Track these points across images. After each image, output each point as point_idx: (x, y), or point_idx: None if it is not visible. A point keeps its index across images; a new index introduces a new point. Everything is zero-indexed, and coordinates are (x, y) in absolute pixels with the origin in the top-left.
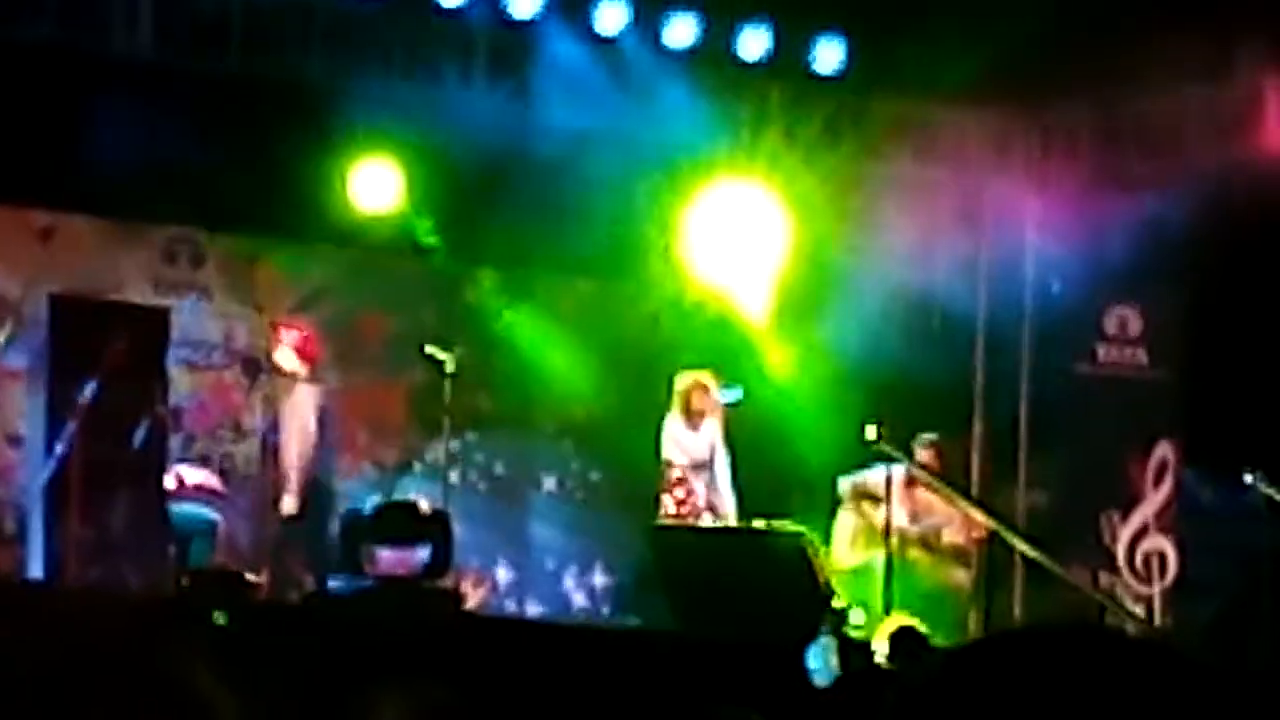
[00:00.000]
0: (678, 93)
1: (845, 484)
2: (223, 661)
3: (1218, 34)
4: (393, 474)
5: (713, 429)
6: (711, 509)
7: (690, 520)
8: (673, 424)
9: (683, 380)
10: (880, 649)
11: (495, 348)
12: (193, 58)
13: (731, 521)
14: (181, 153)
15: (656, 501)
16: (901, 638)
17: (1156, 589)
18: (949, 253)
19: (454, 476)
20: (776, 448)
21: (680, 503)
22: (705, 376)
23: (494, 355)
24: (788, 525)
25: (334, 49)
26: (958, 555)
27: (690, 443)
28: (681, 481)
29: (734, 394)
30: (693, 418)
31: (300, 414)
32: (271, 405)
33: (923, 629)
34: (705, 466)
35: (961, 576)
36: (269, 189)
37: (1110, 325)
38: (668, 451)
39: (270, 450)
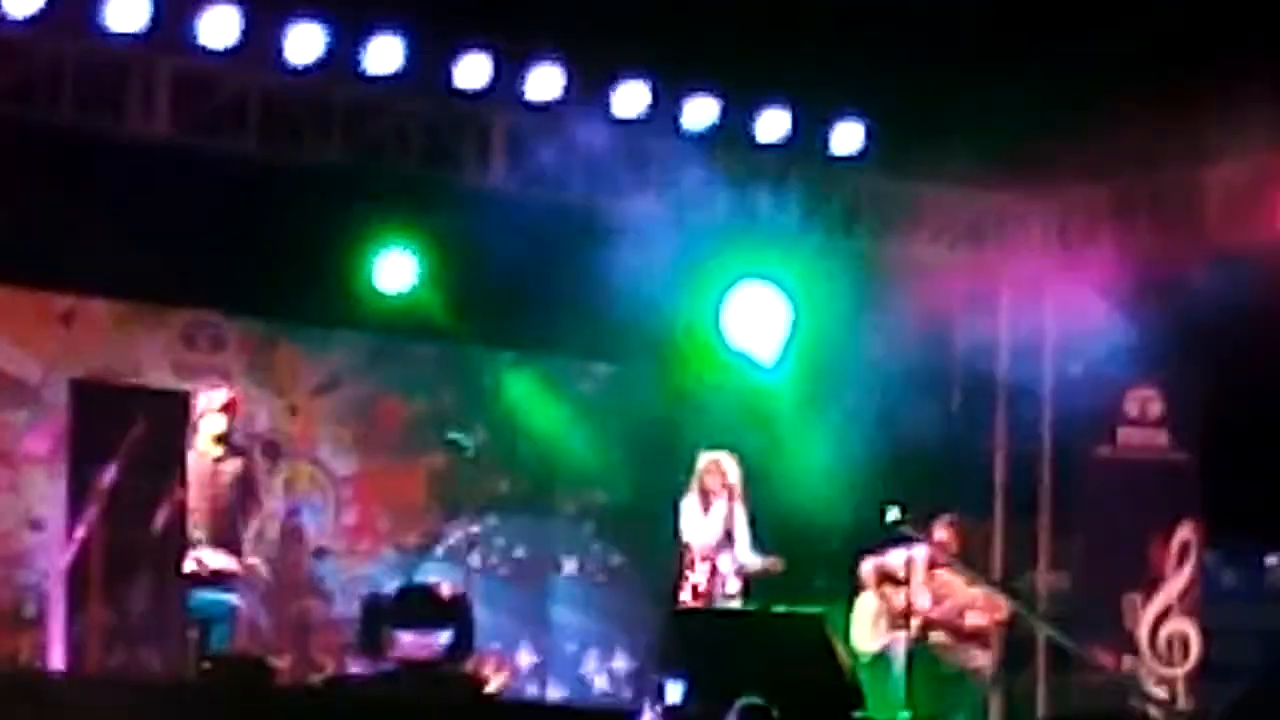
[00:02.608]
0: (697, 175)
1: (867, 566)
2: None
3: (1234, 112)
4: (413, 557)
5: (724, 510)
6: (729, 590)
7: (710, 602)
8: (689, 505)
9: (701, 461)
10: None
11: (515, 431)
12: (210, 141)
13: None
14: (200, 236)
15: (677, 583)
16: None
17: (1179, 671)
18: (968, 335)
19: (474, 560)
20: (798, 529)
21: (698, 585)
22: (723, 457)
23: (514, 439)
24: (809, 608)
25: (352, 133)
26: (979, 637)
27: (703, 523)
28: (702, 561)
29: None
30: (706, 498)
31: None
32: (292, 488)
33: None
34: (723, 547)
35: (983, 659)
36: (288, 272)
37: (1131, 407)
38: (685, 533)
39: (291, 533)
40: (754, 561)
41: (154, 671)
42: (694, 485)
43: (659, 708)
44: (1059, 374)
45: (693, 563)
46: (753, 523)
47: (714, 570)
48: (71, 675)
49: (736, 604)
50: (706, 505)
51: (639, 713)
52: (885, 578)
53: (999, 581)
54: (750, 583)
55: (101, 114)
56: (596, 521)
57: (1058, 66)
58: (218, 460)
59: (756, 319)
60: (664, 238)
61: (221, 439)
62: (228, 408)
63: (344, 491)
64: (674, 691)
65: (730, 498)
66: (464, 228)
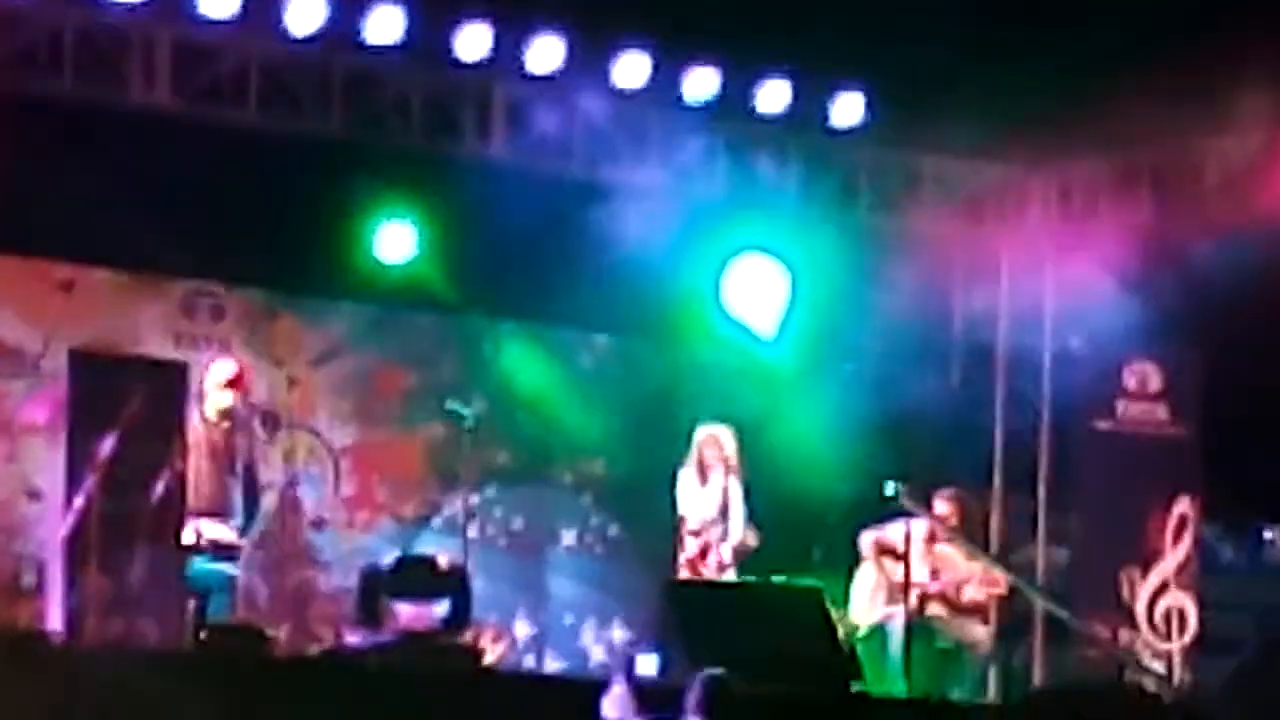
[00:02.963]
0: (697, 146)
1: (866, 539)
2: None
3: (1234, 86)
4: (411, 528)
5: (721, 483)
6: (724, 563)
7: (705, 574)
8: (685, 478)
9: (699, 434)
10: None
11: (514, 402)
12: (211, 111)
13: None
14: (200, 207)
15: (674, 555)
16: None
17: (1176, 645)
18: (968, 307)
19: (473, 531)
20: (796, 502)
21: (694, 556)
22: (721, 431)
23: (513, 410)
24: (806, 581)
25: (353, 103)
26: (977, 611)
27: (700, 497)
28: (695, 535)
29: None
30: (703, 471)
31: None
32: (291, 459)
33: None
34: (718, 520)
35: (981, 632)
36: (288, 243)
37: (1130, 381)
38: (681, 506)
39: (289, 504)
40: (747, 536)
41: (152, 640)
42: (691, 458)
43: (627, 679)
44: (1058, 347)
45: (688, 535)
46: (747, 497)
47: (708, 543)
48: (70, 642)
49: (731, 576)
50: (704, 479)
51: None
52: (884, 551)
53: (997, 555)
54: (745, 557)
55: (102, 84)
56: (595, 493)
57: (1059, 39)
58: (224, 432)
59: (756, 291)
60: (664, 209)
61: (227, 413)
62: (234, 382)
63: (343, 462)
64: (645, 664)
65: (726, 472)
66: (464, 198)
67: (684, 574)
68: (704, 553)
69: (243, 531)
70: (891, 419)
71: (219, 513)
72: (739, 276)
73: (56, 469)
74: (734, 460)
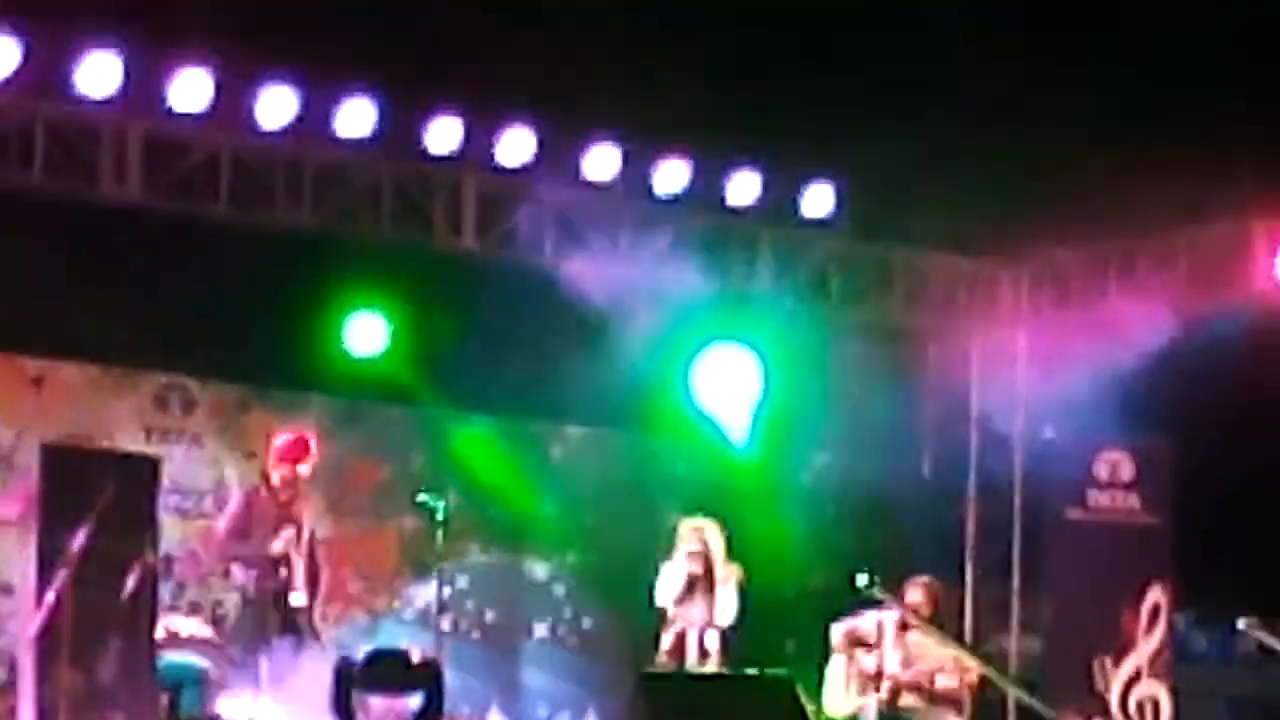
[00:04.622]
0: (667, 238)
1: (837, 631)
2: None
3: (1202, 176)
4: (384, 621)
5: (703, 575)
6: (705, 652)
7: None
8: (668, 571)
9: (682, 528)
10: None
11: (485, 494)
12: (182, 204)
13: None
14: (171, 300)
15: (655, 645)
16: None
17: None
18: (939, 398)
19: (445, 624)
20: (768, 593)
21: (674, 649)
22: (706, 524)
23: (484, 502)
24: (778, 671)
25: (324, 196)
26: (950, 701)
27: (680, 590)
28: (673, 624)
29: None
30: (685, 564)
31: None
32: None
33: None
34: (701, 613)
35: None
36: (259, 336)
37: (1101, 470)
38: (660, 598)
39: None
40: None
41: None
42: (675, 552)
43: None
44: (1030, 437)
45: (670, 626)
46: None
47: (685, 635)
48: None
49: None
50: (685, 571)
51: None
52: (855, 642)
53: (970, 645)
54: (728, 647)
55: (73, 177)
56: (567, 585)
57: (1028, 132)
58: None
59: (728, 388)
60: (636, 301)
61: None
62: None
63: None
64: None
65: (709, 564)
66: (435, 290)
67: (665, 666)
68: (684, 644)
69: None
70: (863, 509)
71: None
72: (710, 371)
73: (28, 563)
74: (718, 554)
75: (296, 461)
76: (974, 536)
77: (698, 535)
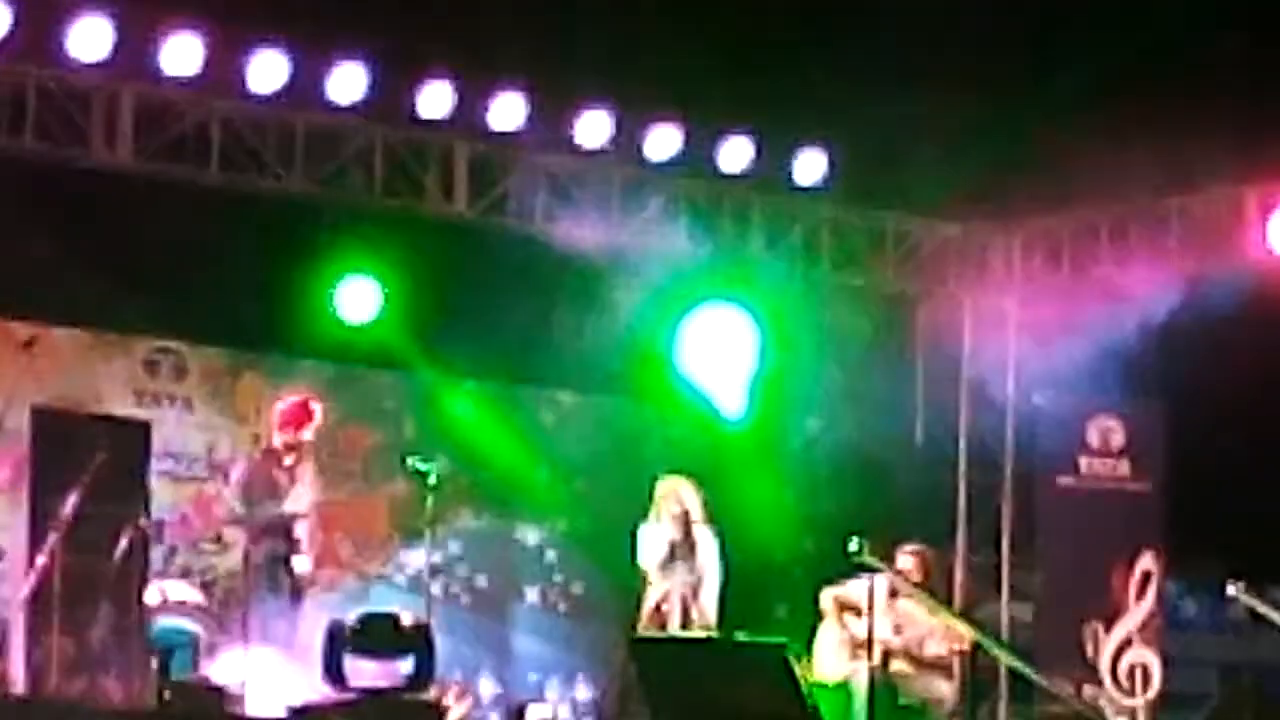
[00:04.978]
0: (659, 204)
1: (827, 596)
2: None
3: (1194, 143)
4: (375, 585)
5: (682, 536)
6: (689, 616)
7: (668, 628)
8: (647, 532)
9: (659, 488)
10: None
11: (476, 460)
12: (173, 169)
13: (711, 624)
14: (162, 265)
15: (638, 609)
16: None
17: (1140, 701)
18: (931, 365)
19: (436, 588)
20: (760, 558)
21: (652, 610)
22: (682, 483)
23: (475, 467)
24: (770, 636)
25: (315, 161)
26: (941, 667)
27: (661, 550)
28: (654, 587)
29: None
30: (664, 524)
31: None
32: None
33: None
34: (682, 574)
35: (944, 688)
36: (251, 301)
37: (1093, 437)
38: (643, 559)
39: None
40: (710, 609)
41: (114, 700)
42: (653, 512)
43: None
44: (1021, 403)
45: (649, 588)
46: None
47: (668, 596)
48: (31, 701)
49: (700, 632)
50: (663, 534)
51: None
52: (845, 608)
53: (961, 611)
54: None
55: (64, 141)
56: (558, 550)
57: (1020, 96)
58: None
59: (721, 355)
60: (627, 267)
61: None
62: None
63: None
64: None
65: (687, 524)
66: (426, 256)
67: (647, 629)
68: (667, 606)
69: None
70: (855, 474)
71: None
72: (703, 337)
73: (18, 528)
74: (698, 512)
75: (300, 426)
76: (965, 502)
77: (674, 496)
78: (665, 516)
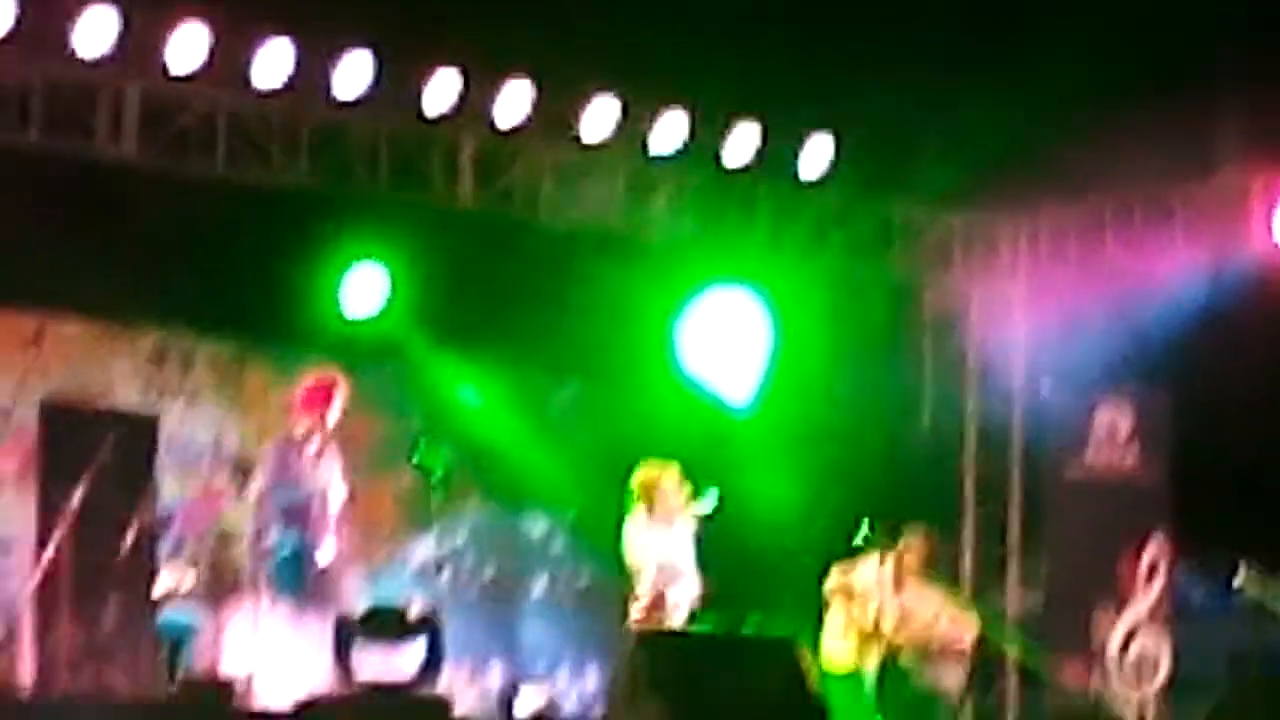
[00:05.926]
0: (666, 194)
1: (834, 582)
2: None
3: (1201, 133)
4: (382, 577)
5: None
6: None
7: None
8: (636, 523)
9: (636, 476)
10: None
11: (483, 450)
12: (178, 162)
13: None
14: (169, 257)
15: (626, 604)
16: None
17: (1149, 688)
18: (937, 352)
19: (444, 579)
20: (766, 545)
21: (648, 604)
22: (664, 471)
23: (482, 458)
24: (778, 623)
25: (320, 153)
26: (948, 655)
27: (645, 541)
28: (646, 581)
29: (709, 502)
30: (656, 514)
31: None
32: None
33: None
34: (666, 565)
35: (953, 676)
36: (257, 292)
37: (1100, 425)
38: (627, 553)
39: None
40: (693, 582)
41: (122, 691)
42: (634, 503)
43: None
44: (1028, 390)
45: (640, 583)
46: (702, 540)
47: (659, 590)
48: (39, 695)
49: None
50: (645, 525)
51: None
52: (853, 594)
53: (968, 599)
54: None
55: (70, 135)
56: (565, 540)
57: (1025, 87)
58: None
59: (727, 344)
60: (633, 258)
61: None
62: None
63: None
64: (526, 700)
65: (669, 512)
66: (432, 247)
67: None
68: (653, 599)
69: None
70: (861, 463)
71: None
72: (708, 322)
73: (27, 520)
74: (674, 500)
75: (323, 409)
76: (972, 489)
77: (653, 485)
78: (650, 508)
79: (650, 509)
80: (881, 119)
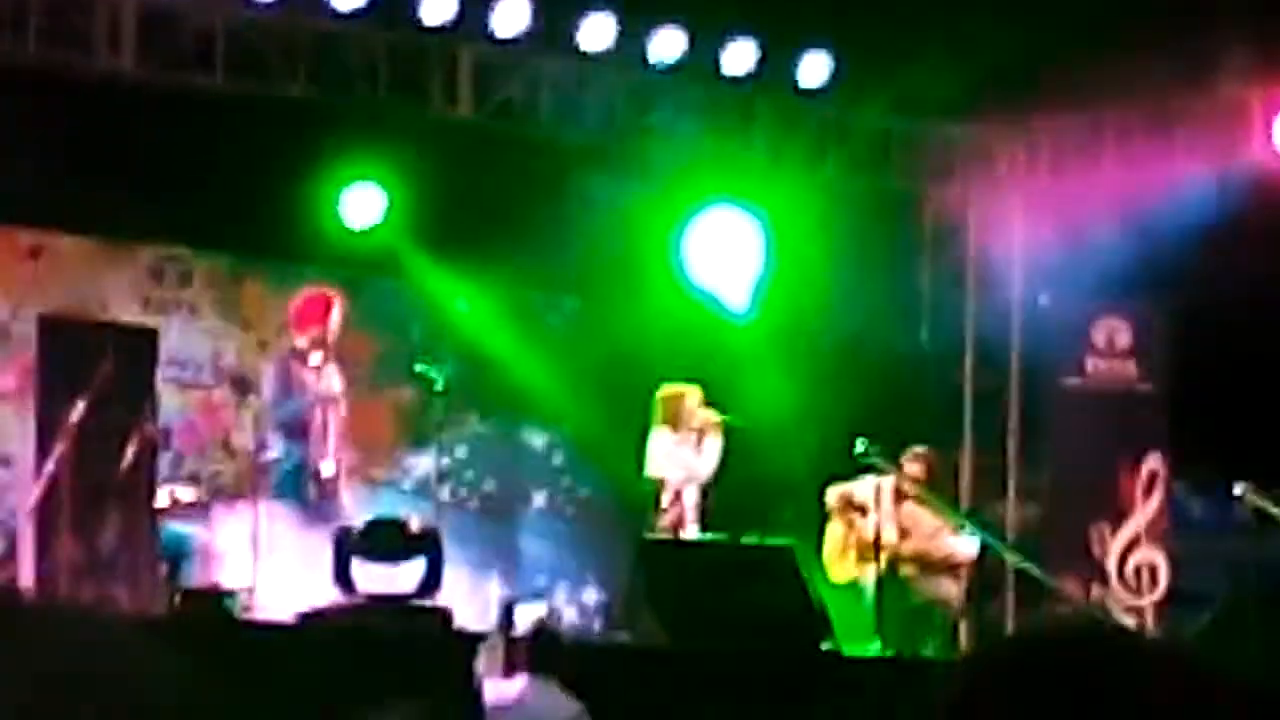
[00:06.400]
0: (664, 108)
1: (833, 495)
2: (211, 682)
3: (1202, 45)
4: (382, 491)
5: (689, 441)
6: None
7: (679, 534)
8: (655, 439)
9: (662, 393)
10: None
11: (483, 364)
12: (177, 76)
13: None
14: (167, 172)
15: (651, 516)
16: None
17: (1147, 600)
18: (936, 266)
19: (444, 493)
20: (765, 459)
21: (667, 517)
22: (687, 389)
23: (482, 372)
24: (777, 538)
25: (319, 67)
26: (948, 568)
27: (667, 455)
28: (669, 493)
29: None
30: (670, 430)
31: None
32: (260, 423)
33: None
34: (688, 479)
35: (952, 589)
36: (255, 207)
37: (1099, 338)
38: (650, 466)
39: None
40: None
41: (124, 606)
42: (657, 418)
43: (503, 633)
44: (1027, 304)
45: (666, 496)
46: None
47: (678, 501)
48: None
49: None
50: (671, 438)
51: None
52: (851, 507)
53: (967, 512)
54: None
55: (68, 50)
56: (565, 454)
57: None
58: None
59: (726, 256)
60: (632, 171)
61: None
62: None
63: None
64: (525, 615)
65: (692, 429)
66: (431, 160)
67: (661, 535)
68: (676, 511)
69: None
70: (861, 375)
71: None
72: (709, 242)
73: (26, 435)
74: (699, 416)
75: (323, 321)
76: (971, 403)
77: (678, 401)
78: (678, 426)
79: (674, 426)
80: (881, 31)
